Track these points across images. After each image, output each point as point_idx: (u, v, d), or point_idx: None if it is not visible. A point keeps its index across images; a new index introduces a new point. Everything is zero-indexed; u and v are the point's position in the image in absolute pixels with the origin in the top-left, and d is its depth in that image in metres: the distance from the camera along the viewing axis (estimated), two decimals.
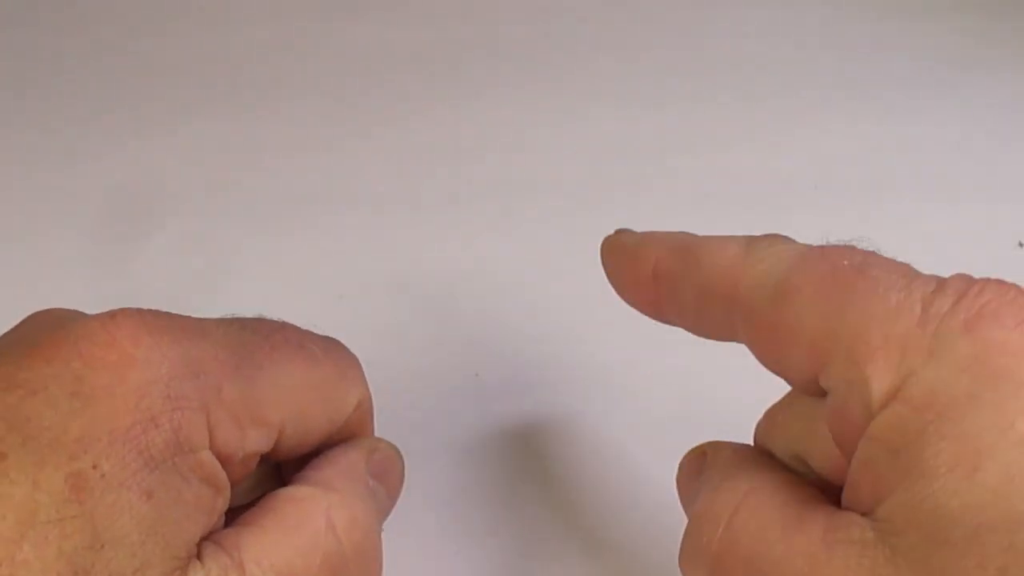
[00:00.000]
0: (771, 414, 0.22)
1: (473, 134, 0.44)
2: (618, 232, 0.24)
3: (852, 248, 0.20)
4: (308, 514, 0.21)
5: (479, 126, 0.44)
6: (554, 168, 0.42)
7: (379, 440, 0.25)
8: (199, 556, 0.19)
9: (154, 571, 0.18)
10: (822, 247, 0.20)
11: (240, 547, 0.20)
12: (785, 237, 0.21)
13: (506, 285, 0.36)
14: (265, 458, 0.22)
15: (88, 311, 0.21)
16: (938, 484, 0.16)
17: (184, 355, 0.20)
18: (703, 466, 0.22)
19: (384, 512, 0.24)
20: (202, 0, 0.52)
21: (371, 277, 0.37)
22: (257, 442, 0.21)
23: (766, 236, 0.21)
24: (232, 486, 0.20)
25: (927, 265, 0.19)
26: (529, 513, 0.29)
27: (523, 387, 0.32)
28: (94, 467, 0.18)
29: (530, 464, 0.30)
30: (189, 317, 0.21)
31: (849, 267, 0.19)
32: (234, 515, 0.21)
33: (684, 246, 0.22)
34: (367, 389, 0.25)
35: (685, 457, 0.23)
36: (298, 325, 0.24)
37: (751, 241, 0.21)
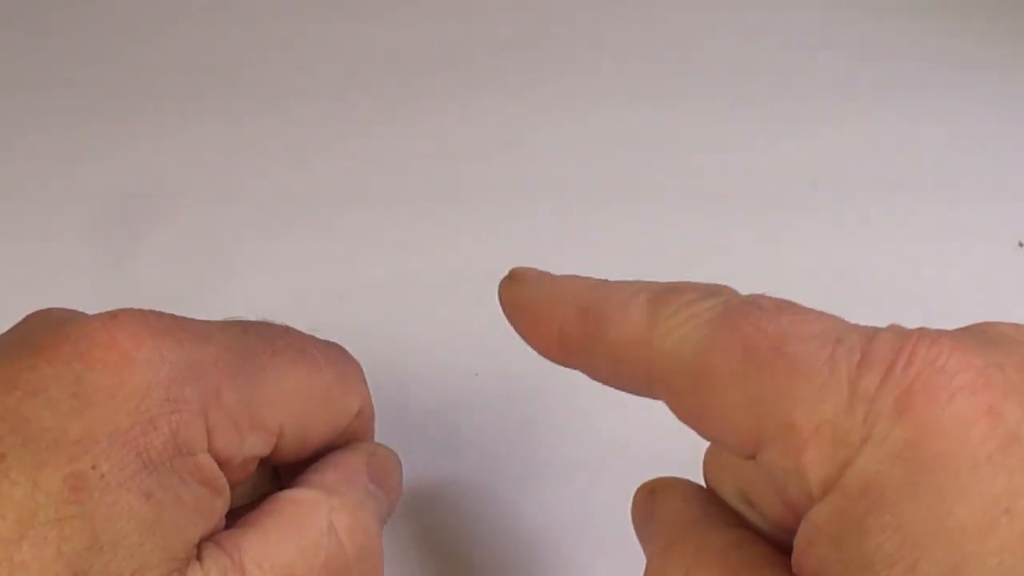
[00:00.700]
0: (718, 447, 0.21)
1: (473, 134, 0.44)
2: (513, 280, 0.22)
3: (761, 309, 0.18)
4: (310, 516, 0.21)
5: (479, 126, 0.44)
6: (554, 168, 0.42)
7: (378, 445, 0.25)
8: (199, 557, 0.19)
9: (153, 572, 0.18)
10: (728, 312, 0.18)
11: (241, 548, 0.20)
12: (691, 289, 0.19)
13: None
14: (265, 461, 0.22)
15: (88, 311, 0.21)
16: None
17: (185, 358, 0.20)
18: (653, 510, 0.22)
19: (384, 516, 0.24)
20: (202, 0, 0.52)
21: (371, 277, 0.37)
22: (256, 446, 0.21)
23: (669, 293, 0.19)
24: (232, 488, 0.20)
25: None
26: (529, 513, 0.29)
27: (523, 387, 0.32)
28: (93, 468, 0.18)
29: (530, 464, 0.30)
30: (191, 319, 0.21)
31: (764, 342, 0.17)
32: (235, 517, 0.21)
33: (586, 308, 0.20)
34: (368, 394, 0.25)
35: (637, 495, 0.23)
36: (300, 328, 0.24)
37: (655, 306, 0.19)
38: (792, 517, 0.18)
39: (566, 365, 0.21)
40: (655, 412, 0.31)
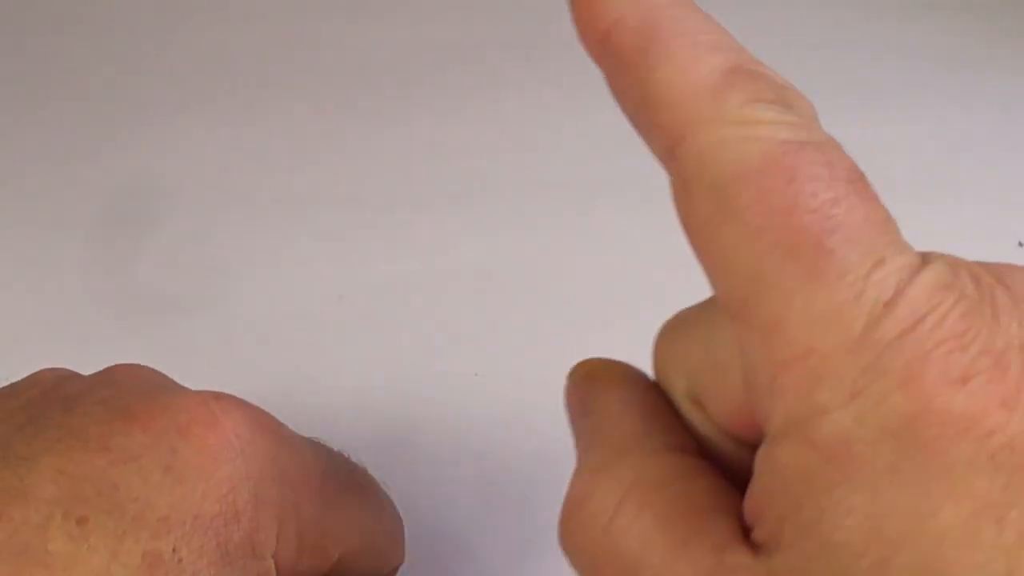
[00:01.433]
0: (671, 329, 0.18)
1: (473, 134, 0.44)
2: None
3: (830, 174, 0.15)
4: None
5: (479, 126, 0.44)
6: (555, 168, 0.42)
7: None
8: None
9: None
10: (796, 159, 0.15)
11: None
12: (769, 88, 0.17)
13: (506, 285, 0.36)
14: None
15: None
16: (840, 567, 0.13)
17: (277, 460, 0.19)
18: (589, 403, 0.19)
19: None
20: (202, 1, 0.52)
21: (371, 277, 0.37)
22: (309, 568, 0.21)
23: (748, 82, 0.17)
24: None
25: None
26: (529, 513, 0.29)
27: (523, 387, 0.32)
28: (173, 550, 0.17)
29: (530, 464, 0.30)
30: (284, 425, 0.21)
31: (812, 223, 0.14)
32: None
33: (648, 34, 0.17)
34: (404, 556, 0.25)
35: (572, 375, 0.20)
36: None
37: (727, 85, 0.16)
38: (745, 430, 0.16)
39: (594, 61, 0.18)
40: None
